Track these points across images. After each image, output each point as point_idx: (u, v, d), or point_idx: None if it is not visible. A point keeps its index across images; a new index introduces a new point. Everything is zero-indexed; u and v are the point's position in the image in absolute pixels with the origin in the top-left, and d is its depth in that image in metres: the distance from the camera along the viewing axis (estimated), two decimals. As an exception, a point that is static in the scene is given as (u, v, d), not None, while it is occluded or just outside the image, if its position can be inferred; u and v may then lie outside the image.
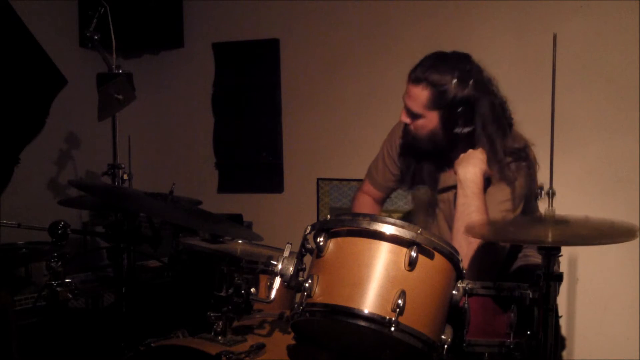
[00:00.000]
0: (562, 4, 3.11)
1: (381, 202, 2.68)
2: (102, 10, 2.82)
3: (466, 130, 2.21)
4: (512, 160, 2.23)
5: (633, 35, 2.97)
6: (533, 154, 2.29)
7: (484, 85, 2.24)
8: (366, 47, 3.56)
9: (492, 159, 2.21)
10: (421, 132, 2.27)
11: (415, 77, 2.22)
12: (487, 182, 2.21)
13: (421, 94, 2.21)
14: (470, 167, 2.18)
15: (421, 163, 2.38)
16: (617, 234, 1.71)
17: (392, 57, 3.46)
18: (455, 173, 2.22)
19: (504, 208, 2.19)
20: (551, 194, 1.77)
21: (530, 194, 2.25)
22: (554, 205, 1.77)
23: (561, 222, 1.72)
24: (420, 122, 2.25)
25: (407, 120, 2.28)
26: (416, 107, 2.23)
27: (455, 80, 2.18)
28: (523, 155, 2.26)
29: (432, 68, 2.21)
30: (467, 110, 2.19)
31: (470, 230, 1.82)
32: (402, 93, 2.28)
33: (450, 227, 2.26)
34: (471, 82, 2.19)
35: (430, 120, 2.23)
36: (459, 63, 2.22)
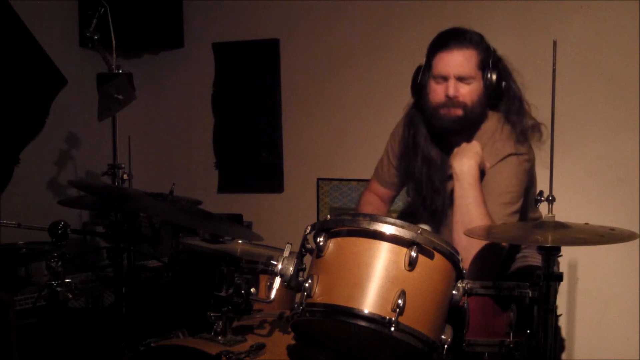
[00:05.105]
0: (562, 4, 3.10)
1: (389, 200, 2.64)
2: (102, 10, 2.81)
3: (503, 85, 2.25)
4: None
5: (633, 35, 2.97)
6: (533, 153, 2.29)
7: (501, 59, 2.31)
8: (366, 47, 3.56)
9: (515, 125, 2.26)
10: (468, 101, 2.22)
11: (459, 41, 2.22)
12: (482, 175, 2.20)
13: (473, 55, 2.22)
14: (466, 159, 2.17)
15: (446, 147, 2.32)
16: (617, 239, 1.71)
17: (392, 57, 3.46)
18: (451, 167, 2.21)
19: (504, 200, 2.18)
20: (551, 200, 1.77)
21: (529, 190, 2.25)
22: (553, 205, 1.77)
23: (561, 228, 1.73)
24: (473, 85, 2.22)
25: (455, 92, 2.21)
26: (469, 70, 2.21)
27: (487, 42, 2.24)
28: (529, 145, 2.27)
29: (466, 32, 2.24)
30: (500, 73, 2.24)
31: (471, 234, 1.82)
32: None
33: None
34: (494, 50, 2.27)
35: (479, 83, 2.23)
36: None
